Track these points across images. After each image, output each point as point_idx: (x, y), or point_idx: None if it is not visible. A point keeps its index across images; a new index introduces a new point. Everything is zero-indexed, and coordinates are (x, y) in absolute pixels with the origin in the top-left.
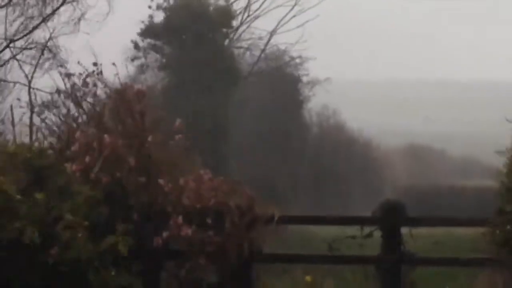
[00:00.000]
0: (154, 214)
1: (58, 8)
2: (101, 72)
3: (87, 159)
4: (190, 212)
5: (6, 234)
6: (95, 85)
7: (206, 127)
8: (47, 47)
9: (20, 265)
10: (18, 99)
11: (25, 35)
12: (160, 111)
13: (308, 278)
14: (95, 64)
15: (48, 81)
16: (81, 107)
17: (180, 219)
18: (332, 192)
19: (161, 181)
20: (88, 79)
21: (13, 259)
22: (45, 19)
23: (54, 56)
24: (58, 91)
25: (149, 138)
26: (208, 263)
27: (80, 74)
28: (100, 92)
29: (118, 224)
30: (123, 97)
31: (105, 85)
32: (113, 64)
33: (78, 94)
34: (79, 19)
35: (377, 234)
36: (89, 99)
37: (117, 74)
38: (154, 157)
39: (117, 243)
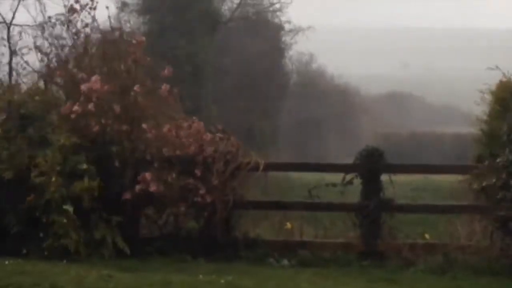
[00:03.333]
0: (134, 161)
1: None
2: (95, 8)
3: (90, 105)
4: (171, 160)
5: None
6: (93, 20)
7: (186, 72)
8: None
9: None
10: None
11: None
12: (150, 59)
13: (288, 224)
14: None
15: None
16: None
17: (148, 175)
18: (312, 139)
19: (144, 126)
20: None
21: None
22: None
23: None
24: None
25: (137, 86)
26: (189, 210)
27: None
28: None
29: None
30: (116, 43)
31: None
32: (107, 7)
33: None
34: None
35: (358, 181)
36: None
37: (109, 17)
38: (140, 104)
39: (86, 188)
